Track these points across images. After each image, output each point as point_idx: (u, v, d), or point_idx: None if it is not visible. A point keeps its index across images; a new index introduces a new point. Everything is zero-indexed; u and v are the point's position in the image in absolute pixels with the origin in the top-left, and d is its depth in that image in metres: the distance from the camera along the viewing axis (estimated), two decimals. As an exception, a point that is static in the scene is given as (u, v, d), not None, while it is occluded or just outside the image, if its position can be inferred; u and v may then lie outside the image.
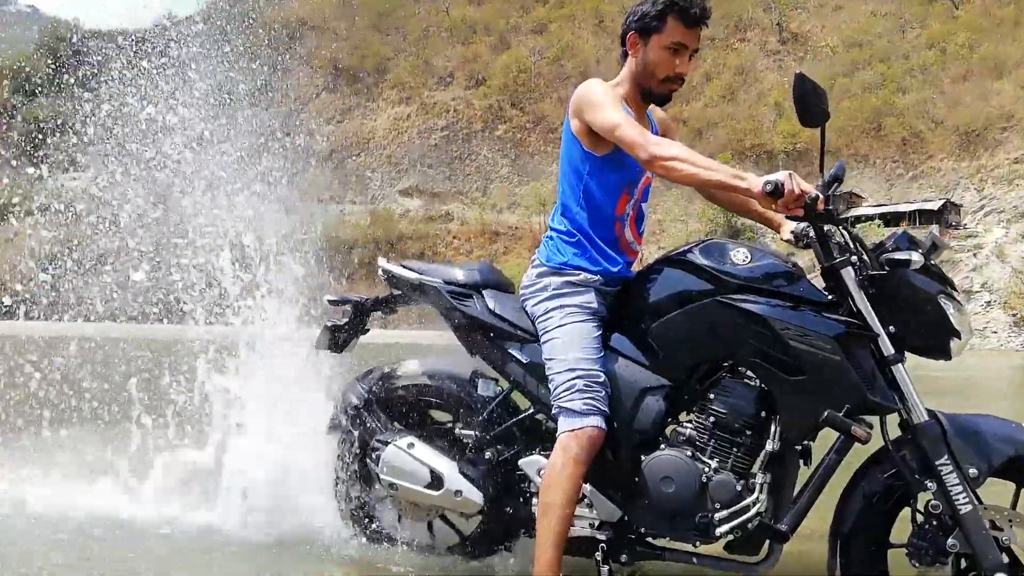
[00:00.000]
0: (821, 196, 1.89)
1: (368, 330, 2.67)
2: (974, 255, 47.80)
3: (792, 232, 2.35)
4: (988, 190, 52.70)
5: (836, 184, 2.11)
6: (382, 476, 2.31)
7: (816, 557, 2.11)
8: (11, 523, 2.66)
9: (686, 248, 2.20)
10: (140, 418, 3.03)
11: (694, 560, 2.19)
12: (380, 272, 2.55)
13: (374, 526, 2.49)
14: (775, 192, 1.85)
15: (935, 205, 51.30)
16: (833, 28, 66.87)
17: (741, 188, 1.92)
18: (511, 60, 67.31)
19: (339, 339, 2.61)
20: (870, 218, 47.65)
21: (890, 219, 47.91)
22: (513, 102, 66.30)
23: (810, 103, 1.88)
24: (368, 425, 2.44)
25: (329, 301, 2.61)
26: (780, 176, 1.86)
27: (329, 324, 2.61)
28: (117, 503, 2.85)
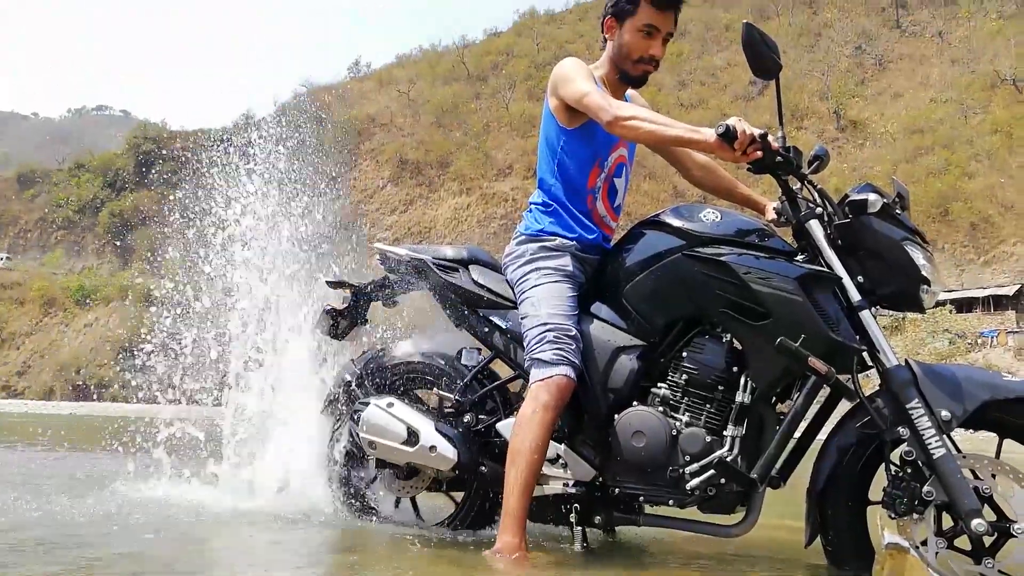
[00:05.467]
0: (774, 135, 1.94)
1: (367, 321, 2.76)
2: (1054, 342, 45.20)
3: (775, 210, 2.38)
4: (1065, 275, 50.42)
5: (817, 163, 2.17)
6: (362, 435, 2.35)
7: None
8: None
9: (659, 212, 2.26)
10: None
11: (669, 524, 2.15)
12: (375, 254, 2.66)
13: (363, 502, 2.52)
14: (727, 134, 1.91)
15: (1010, 290, 49.27)
16: (892, 115, 66.60)
17: (697, 140, 1.99)
18: (568, 151, 68.43)
19: (339, 325, 2.70)
20: (941, 303, 46.03)
21: (963, 304, 46.15)
22: (571, 191, 67.13)
23: (762, 53, 1.95)
24: (357, 398, 2.51)
25: (327, 282, 2.72)
26: (731, 120, 1.93)
27: (328, 308, 2.70)
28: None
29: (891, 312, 2.11)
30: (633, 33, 2.27)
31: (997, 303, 47.48)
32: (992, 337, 43.45)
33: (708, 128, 1.98)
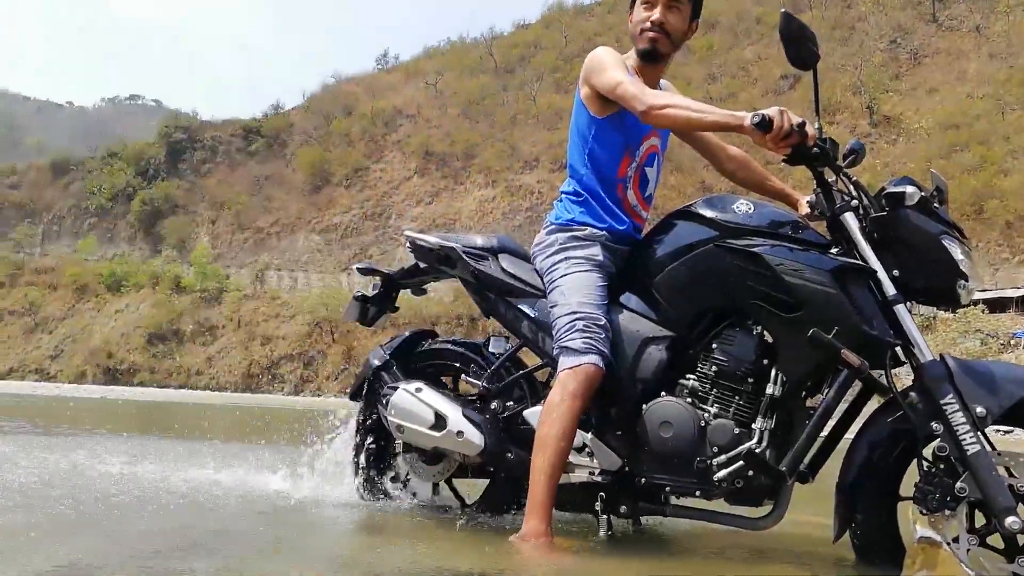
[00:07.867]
0: (812, 126, 1.91)
1: (398, 308, 2.78)
2: (1092, 344, 44.20)
3: (808, 203, 2.36)
4: (1104, 276, 49.22)
5: (853, 157, 2.14)
6: (390, 418, 2.37)
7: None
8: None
9: (691, 203, 2.25)
10: None
11: (695, 515, 2.15)
12: (405, 242, 2.68)
13: (387, 486, 2.54)
14: (762, 124, 1.89)
15: (1046, 290, 48.22)
16: (927, 111, 65.22)
17: (734, 125, 1.96)
18: (596, 144, 68.14)
19: (368, 312, 2.72)
20: (974, 302, 45.24)
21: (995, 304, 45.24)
22: (597, 185, 66.79)
23: (800, 43, 1.93)
24: (385, 383, 2.53)
25: (359, 269, 2.74)
26: (771, 111, 1.90)
27: (358, 295, 2.73)
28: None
29: (922, 311, 2.08)
30: (637, 10, 2.29)
31: (1032, 303, 46.39)
32: (1025, 338, 42.53)
33: (748, 113, 1.94)
